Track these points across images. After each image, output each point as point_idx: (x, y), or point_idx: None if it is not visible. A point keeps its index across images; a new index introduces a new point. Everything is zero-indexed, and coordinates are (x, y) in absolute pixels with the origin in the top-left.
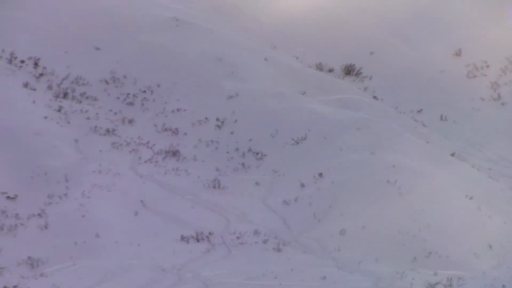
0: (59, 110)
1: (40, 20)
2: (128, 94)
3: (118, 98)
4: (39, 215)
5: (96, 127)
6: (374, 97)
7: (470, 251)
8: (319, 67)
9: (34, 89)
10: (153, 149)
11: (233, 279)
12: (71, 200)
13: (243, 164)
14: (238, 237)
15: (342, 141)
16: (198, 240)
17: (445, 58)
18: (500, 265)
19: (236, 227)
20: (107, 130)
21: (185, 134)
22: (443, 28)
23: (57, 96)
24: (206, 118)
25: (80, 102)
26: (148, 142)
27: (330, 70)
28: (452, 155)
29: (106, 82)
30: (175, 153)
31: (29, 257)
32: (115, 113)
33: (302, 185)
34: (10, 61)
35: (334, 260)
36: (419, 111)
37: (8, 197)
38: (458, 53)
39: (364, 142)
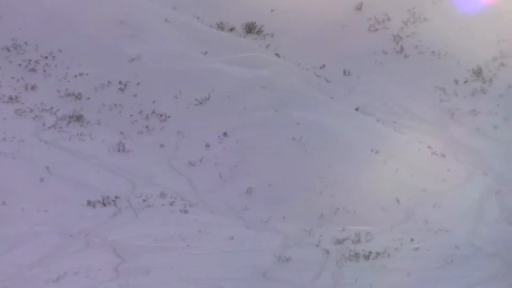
0: None
1: None
2: (30, 60)
3: (20, 65)
4: None
5: None
6: (277, 54)
7: (378, 205)
8: (220, 27)
9: None
10: (56, 115)
11: (141, 242)
12: None
13: (147, 127)
14: (144, 200)
15: (246, 100)
16: (104, 205)
17: (347, 13)
18: (408, 218)
19: (142, 190)
20: (10, 98)
21: (88, 98)
22: None
23: None
24: (108, 81)
25: None
26: (51, 108)
27: (231, 29)
28: (357, 109)
29: (8, 49)
30: (78, 118)
31: None
32: (18, 80)
33: (207, 146)
34: None
35: (242, 220)
36: (321, 67)
37: None
38: (359, 7)
39: (268, 100)
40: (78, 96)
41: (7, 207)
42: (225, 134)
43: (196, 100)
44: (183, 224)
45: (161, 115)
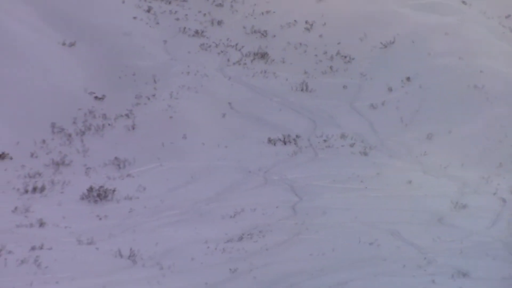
0: (148, 11)
1: None
2: None
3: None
4: (127, 115)
5: (185, 28)
6: (463, 2)
7: None
8: None
9: None
10: (241, 51)
11: (319, 181)
12: (159, 101)
13: (331, 67)
14: (325, 140)
15: (430, 46)
16: (285, 143)
17: None
18: None
19: (323, 130)
20: (196, 32)
21: (274, 36)
22: None
23: None
24: (295, 20)
25: (169, 3)
26: (236, 44)
27: None
28: None
29: None
30: (263, 56)
31: (116, 158)
32: (204, 15)
33: (390, 89)
34: None
35: (420, 165)
36: (507, 17)
37: (96, 97)
38: None
39: (452, 47)
40: (264, 34)
41: (188, 141)
42: (408, 78)
43: (381, 43)
44: (362, 166)
45: (345, 57)
